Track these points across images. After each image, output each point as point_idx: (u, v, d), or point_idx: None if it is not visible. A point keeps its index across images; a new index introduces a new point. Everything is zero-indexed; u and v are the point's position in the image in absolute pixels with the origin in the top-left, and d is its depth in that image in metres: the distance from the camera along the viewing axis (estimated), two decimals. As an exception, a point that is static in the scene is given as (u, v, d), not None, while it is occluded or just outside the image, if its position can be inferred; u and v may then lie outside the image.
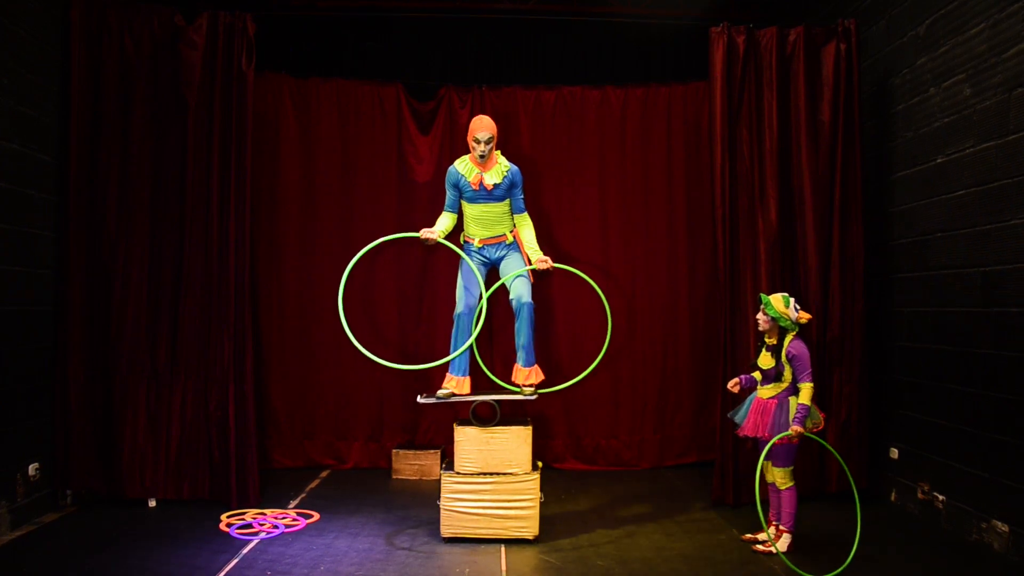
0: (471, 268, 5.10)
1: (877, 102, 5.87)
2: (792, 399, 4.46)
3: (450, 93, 6.80)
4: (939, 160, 5.11)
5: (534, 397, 5.07)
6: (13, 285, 4.85)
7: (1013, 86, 4.40)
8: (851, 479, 4.63)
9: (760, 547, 4.58)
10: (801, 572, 4.10)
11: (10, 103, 4.81)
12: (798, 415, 4.36)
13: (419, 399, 5.08)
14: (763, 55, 5.64)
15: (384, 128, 6.79)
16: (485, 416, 4.92)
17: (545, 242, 6.65)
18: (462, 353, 5.03)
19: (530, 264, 5.13)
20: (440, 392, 5.02)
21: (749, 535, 4.77)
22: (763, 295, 4.58)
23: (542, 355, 5.91)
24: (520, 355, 5.16)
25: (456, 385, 5.06)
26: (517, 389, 5.09)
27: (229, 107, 5.44)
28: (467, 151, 5.19)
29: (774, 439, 4.37)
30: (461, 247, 5.24)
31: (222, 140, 5.45)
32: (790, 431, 4.35)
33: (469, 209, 5.16)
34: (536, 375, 5.15)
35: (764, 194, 5.62)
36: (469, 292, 5.09)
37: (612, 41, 7.22)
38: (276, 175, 6.65)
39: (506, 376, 5.31)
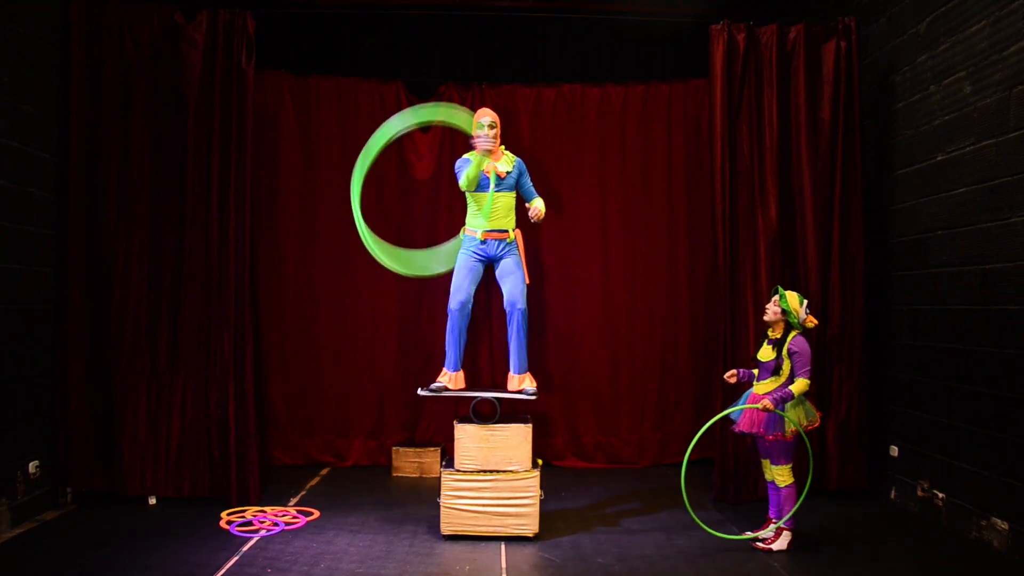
0: (468, 263, 5.15)
1: (877, 100, 5.86)
2: (787, 394, 4.46)
3: (450, 91, 6.78)
4: (939, 158, 5.10)
5: (534, 397, 5.12)
6: (13, 284, 4.85)
7: (1013, 84, 4.40)
8: (811, 471, 4.65)
9: (760, 544, 4.59)
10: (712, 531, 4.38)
11: (10, 101, 4.81)
12: (777, 394, 4.35)
13: (419, 391, 5.17)
14: (763, 53, 5.63)
15: (384, 126, 6.79)
16: (485, 413, 4.93)
17: (545, 239, 6.68)
18: (457, 349, 5.15)
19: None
20: (433, 385, 5.14)
21: (749, 532, 4.77)
22: (779, 287, 4.58)
23: (535, 363, 5.92)
24: (513, 362, 5.19)
25: (449, 380, 5.17)
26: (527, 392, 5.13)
27: (229, 105, 5.43)
28: (467, 150, 5.22)
29: (799, 430, 4.38)
30: (462, 241, 5.28)
31: (222, 138, 5.44)
32: (760, 404, 4.35)
33: (477, 201, 5.18)
34: (530, 382, 5.18)
35: (764, 192, 5.61)
36: (464, 288, 5.15)
37: (612, 39, 7.20)
38: (276, 173, 6.64)
39: (502, 378, 5.32)
